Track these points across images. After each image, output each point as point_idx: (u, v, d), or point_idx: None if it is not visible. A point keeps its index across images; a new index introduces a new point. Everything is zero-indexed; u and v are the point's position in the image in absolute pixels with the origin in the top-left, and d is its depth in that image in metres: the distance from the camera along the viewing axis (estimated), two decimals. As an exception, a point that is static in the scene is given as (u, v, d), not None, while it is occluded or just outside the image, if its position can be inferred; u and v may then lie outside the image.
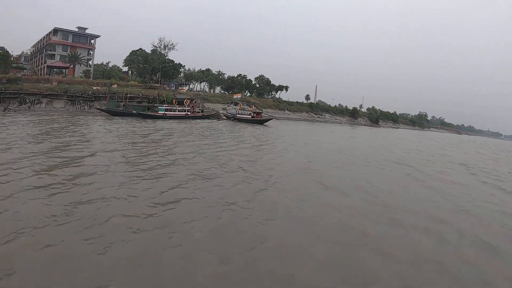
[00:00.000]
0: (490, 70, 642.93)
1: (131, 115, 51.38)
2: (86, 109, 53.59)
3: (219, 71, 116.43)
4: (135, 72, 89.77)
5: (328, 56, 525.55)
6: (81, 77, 67.59)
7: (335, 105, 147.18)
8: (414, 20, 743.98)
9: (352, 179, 19.60)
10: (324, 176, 19.61)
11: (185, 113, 56.58)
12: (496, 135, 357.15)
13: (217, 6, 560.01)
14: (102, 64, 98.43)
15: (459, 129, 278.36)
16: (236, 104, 70.21)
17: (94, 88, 57.02)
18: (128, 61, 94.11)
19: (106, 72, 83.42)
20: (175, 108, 56.18)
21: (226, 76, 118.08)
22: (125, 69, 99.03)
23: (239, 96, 77.02)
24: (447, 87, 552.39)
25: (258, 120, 63.46)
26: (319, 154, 29.37)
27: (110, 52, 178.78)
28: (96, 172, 15.29)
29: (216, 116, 64.54)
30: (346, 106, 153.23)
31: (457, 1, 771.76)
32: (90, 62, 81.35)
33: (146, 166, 17.37)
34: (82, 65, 75.49)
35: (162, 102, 59.35)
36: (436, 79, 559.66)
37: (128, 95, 55.98)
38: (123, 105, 53.43)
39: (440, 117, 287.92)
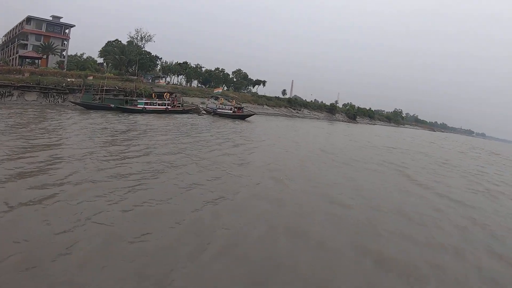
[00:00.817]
0: (461, 74, 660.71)
1: (108, 108, 49.60)
2: (59, 102, 51.40)
3: (198, 64, 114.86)
4: (111, 64, 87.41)
5: (304, 50, 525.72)
6: (54, 68, 64.89)
7: (311, 101, 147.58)
8: (393, 21, 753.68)
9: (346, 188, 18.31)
10: (310, 185, 17.90)
11: (165, 107, 55.14)
12: (468, 132, 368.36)
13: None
14: (76, 55, 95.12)
15: (432, 126, 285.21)
16: (216, 98, 69.07)
17: (69, 80, 54.77)
18: (104, 52, 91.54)
19: (80, 64, 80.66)
20: (155, 102, 54.65)
21: (203, 69, 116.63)
22: (100, 60, 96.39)
23: (220, 91, 75.86)
24: (421, 87, 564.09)
25: (239, 115, 62.58)
26: (308, 155, 28.68)
27: (85, 43, 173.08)
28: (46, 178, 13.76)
29: (196, 110, 63.20)
30: (322, 101, 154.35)
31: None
32: (64, 53, 78.38)
33: (99, 174, 15.12)
34: (56, 55, 72.57)
35: (139, 95, 57.57)
36: (409, 80, 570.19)
37: (105, 88, 53.85)
38: (99, 98, 51.47)
39: (414, 114, 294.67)
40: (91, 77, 57.72)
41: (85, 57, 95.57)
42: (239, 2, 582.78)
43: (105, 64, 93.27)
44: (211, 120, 53.70)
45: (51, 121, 32.11)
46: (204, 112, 64.62)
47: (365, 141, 50.66)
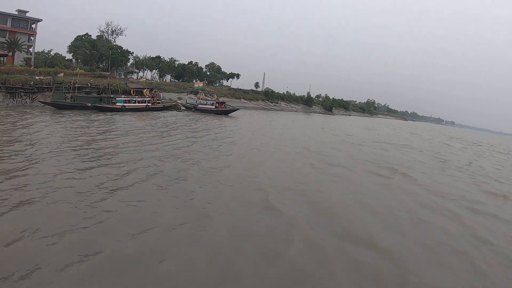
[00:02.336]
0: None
1: (84, 108, 46.20)
2: (28, 102, 47.40)
3: (172, 58, 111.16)
4: (80, 60, 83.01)
5: (276, 43, 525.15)
6: (21, 65, 60.44)
7: (283, 93, 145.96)
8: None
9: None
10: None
11: (145, 104, 52.12)
12: (438, 120, 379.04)
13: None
14: (43, 51, 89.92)
15: (403, 115, 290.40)
16: (196, 93, 66.38)
17: (37, 77, 50.60)
18: (73, 47, 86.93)
19: (48, 60, 75.98)
20: (134, 99, 51.51)
21: (177, 63, 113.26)
22: (69, 56, 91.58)
23: (201, 85, 72.79)
24: (387, 80, 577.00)
25: (222, 111, 60.32)
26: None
27: (52, 39, 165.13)
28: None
29: (176, 107, 60.46)
30: (294, 93, 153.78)
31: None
32: (31, 49, 73.44)
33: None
34: (22, 52, 67.83)
35: (113, 92, 54.24)
36: (378, 73, 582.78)
37: (77, 85, 50.04)
38: (71, 97, 47.82)
39: (385, 104, 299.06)
40: (62, 74, 53.66)
41: (53, 54, 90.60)
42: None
43: (74, 60, 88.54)
44: (195, 117, 50.98)
45: (18, 125, 28.89)
46: (184, 108, 61.86)
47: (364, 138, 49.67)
